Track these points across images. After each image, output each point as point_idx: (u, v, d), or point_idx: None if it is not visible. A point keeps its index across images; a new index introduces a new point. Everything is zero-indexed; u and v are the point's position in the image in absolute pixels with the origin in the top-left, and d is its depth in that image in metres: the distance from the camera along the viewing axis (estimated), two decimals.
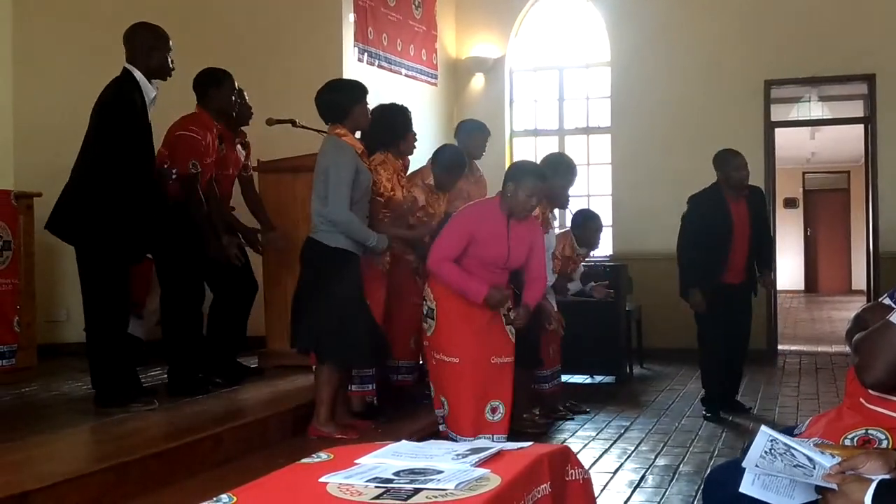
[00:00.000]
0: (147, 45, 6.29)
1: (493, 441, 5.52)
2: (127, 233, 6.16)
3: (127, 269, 6.39)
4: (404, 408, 7.12)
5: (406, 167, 7.30)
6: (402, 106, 7.17)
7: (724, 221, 8.08)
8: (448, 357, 6.03)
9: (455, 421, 6.07)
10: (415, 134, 7.21)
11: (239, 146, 7.65)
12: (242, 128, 7.71)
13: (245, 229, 7.65)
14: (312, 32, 9.84)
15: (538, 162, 7.45)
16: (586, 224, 8.33)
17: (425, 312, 6.18)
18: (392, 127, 6.90)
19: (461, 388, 6.03)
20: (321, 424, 6.21)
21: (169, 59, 6.40)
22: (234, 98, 7.16)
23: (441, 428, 6.29)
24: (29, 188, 8.04)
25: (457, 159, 7.32)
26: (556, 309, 7.78)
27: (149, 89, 6.27)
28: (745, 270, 8.27)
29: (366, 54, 10.16)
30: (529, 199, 6.17)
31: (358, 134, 6.56)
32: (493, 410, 6.02)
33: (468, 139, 7.85)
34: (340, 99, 6.34)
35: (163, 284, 7.00)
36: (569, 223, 8.70)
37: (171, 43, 6.42)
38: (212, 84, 7.02)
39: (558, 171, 7.44)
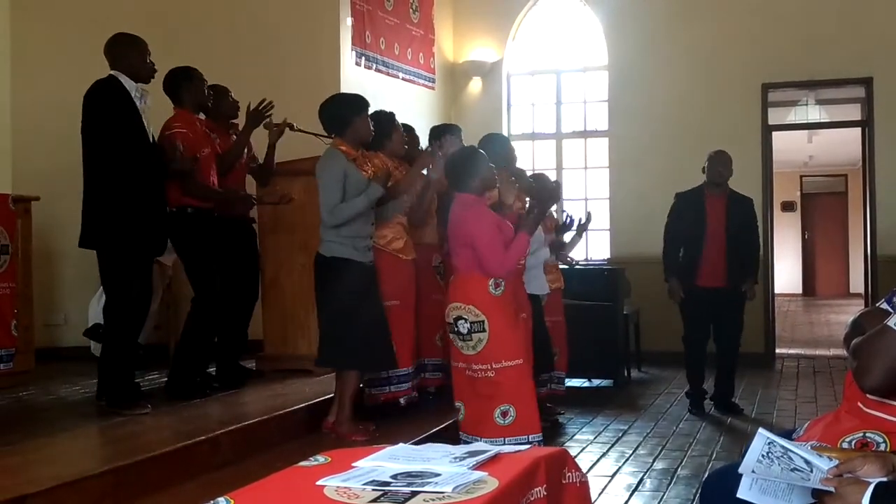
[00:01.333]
0: (124, 52, 6.41)
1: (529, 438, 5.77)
2: (142, 227, 6.25)
3: (149, 266, 6.54)
4: (411, 409, 7.12)
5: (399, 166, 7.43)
6: (384, 111, 7.27)
7: (698, 218, 8.44)
8: (512, 361, 5.87)
9: (525, 423, 5.90)
10: (402, 133, 7.29)
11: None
12: (233, 121, 7.80)
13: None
14: (310, 36, 9.84)
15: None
16: (538, 185, 8.08)
17: (468, 329, 5.89)
18: (376, 130, 6.92)
19: (527, 387, 5.97)
20: (341, 424, 6.31)
21: (149, 62, 6.50)
22: (206, 90, 7.18)
23: (499, 446, 5.76)
24: (27, 192, 8.05)
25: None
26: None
27: (133, 88, 6.34)
28: (724, 274, 8.39)
29: (363, 58, 10.18)
30: (492, 170, 6.23)
31: None
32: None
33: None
34: (341, 112, 6.47)
35: (195, 289, 7.03)
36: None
37: (148, 48, 6.50)
38: (182, 80, 7.03)
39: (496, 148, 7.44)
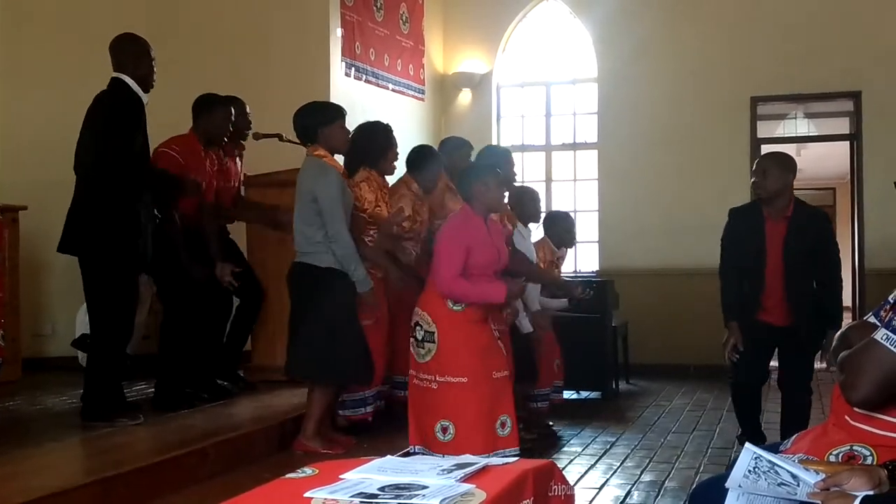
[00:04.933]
0: (133, 54, 6.36)
1: (506, 455, 5.57)
2: (132, 238, 6.25)
3: (135, 278, 6.50)
4: (395, 423, 7.11)
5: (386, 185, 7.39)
6: (384, 124, 7.18)
7: (755, 241, 6.67)
8: (455, 378, 5.80)
9: (466, 442, 5.74)
10: (397, 153, 7.17)
11: (238, 159, 7.76)
12: (242, 141, 7.83)
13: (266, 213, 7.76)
14: (300, 47, 9.84)
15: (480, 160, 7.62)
16: (557, 223, 8.22)
17: (421, 337, 5.89)
18: (374, 144, 6.89)
19: (471, 408, 5.82)
20: (308, 439, 6.23)
21: (153, 69, 6.47)
22: (227, 123, 7.19)
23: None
24: (14, 201, 8.03)
25: (429, 153, 7.43)
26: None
27: (144, 97, 6.33)
28: (786, 310, 6.64)
29: (353, 69, 10.18)
30: (501, 190, 6.14)
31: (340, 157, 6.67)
32: (503, 425, 5.89)
33: (456, 156, 7.78)
34: (308, 122, 6.39)
35: (163, 301, 7.03)
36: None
37: (153, 53, 6.47)
38: (203, 110, 7.08)
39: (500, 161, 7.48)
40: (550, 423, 8.24)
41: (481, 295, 5.90)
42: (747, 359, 6.72)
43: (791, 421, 6.73)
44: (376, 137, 6.95)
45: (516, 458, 3.52)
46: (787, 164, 6.67)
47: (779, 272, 6.60)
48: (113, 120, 6.17)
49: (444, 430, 5.85)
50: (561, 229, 8.18)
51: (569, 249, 8.49)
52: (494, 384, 5.95)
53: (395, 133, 7.23)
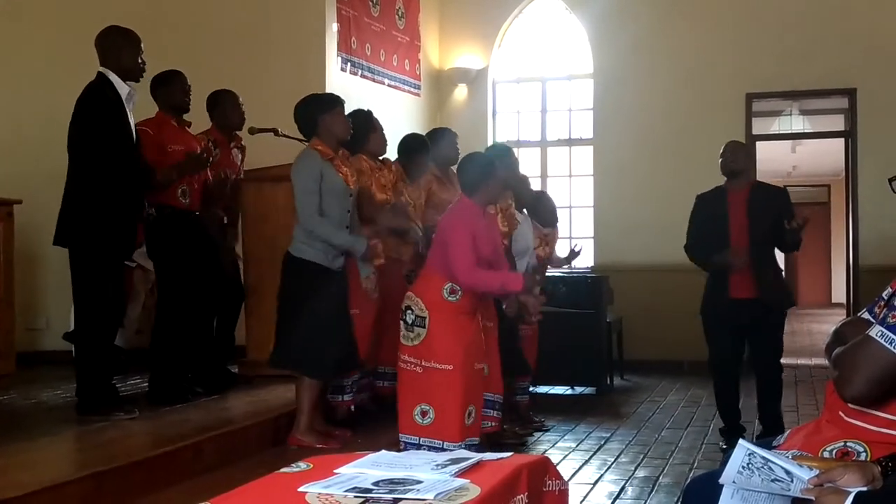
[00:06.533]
0: (117, 46, 6.39)
1: (466, 444, 5.67)
2: (117, 229, 6.25)
3: (121, 269, 6.51)
4: (385, 416, 7.12)
5: (394, 170, 7.42)
6: (364, 110, 7.32)
7: (719, 212, 7.20)
8: (441, 364, 5.88)
9: (443, 428, 5.90)
10: (382, 133, 7.30)
11: (235, 150, 7.77)
12: (237, 133, 7.84)
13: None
14: (296, 42, 9.83)
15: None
16: (538, 204, 8.21)
17: (411, 321, 5.95)
18: (355, 131, 6.93)
19: (452, 395, 5.90)
20: (301, 434, 6.25)
21: (140, 60, 6.48)
22: (185, 92, 7.18)
23: (408, 442, 5.96)
24: (9, 195, 8.01)
25: (415, 142, 7.60)
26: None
27: (122, 87, 6.34)
28: (752, 281, 7.07)
29: (349, 64, 10.18)
30: (501, 184, 6.36)
31: None
32: (469, 415, 6.00)
33: (446, 146, 7.85)
34: (306, 112, 6.44)
35: (161, 291, 7.02)
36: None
37: (142, 45, 6.49)
38: (158, 84, 7.06)
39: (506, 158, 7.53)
40: (541, 419, 8.25)
41: (499, 283, 6.05)
42: (721, 339, 7.29)
43: (766, 399, 7.33)
44: (357, 124, 6.98)
45: (510, 454, 3.52)
46: (750, 150, 7.48)
47: (743, 235, 7.07)
48: (87, 115, 6.21)
49: (424, 413, 5.93)
50: (544, 207, 8.18)
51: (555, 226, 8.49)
52: (474, 375, 6.06)
53: (384, 124, 7.40)
